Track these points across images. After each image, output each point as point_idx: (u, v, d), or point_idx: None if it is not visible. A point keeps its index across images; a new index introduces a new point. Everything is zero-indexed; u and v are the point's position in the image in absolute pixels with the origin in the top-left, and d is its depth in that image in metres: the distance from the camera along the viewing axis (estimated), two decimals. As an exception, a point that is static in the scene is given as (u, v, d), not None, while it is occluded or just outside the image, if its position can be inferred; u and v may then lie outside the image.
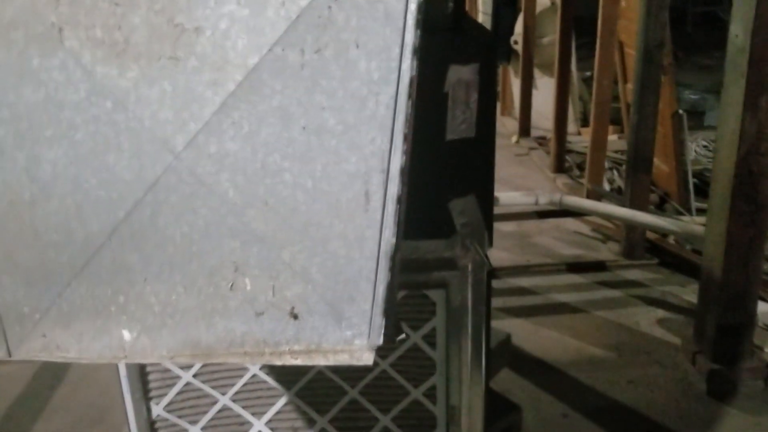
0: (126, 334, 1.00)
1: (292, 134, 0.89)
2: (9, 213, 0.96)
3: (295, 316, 0.97)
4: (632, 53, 4.63)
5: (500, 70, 6.97)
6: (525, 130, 6.57)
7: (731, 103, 2.93)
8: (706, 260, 3.21)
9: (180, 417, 1.89)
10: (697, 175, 5.20)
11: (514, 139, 6.54)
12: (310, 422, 1.93)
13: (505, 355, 2.45)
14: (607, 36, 4.78)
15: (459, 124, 1.68)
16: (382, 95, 0.88)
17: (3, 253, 0.99)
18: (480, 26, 1.66)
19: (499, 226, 4.72)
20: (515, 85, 6.84)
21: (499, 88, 7.13)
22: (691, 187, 4.84)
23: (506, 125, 6.88)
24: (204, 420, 1.91)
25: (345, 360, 0.97)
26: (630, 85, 4.85)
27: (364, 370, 1.88)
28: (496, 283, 4.10)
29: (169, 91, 0.89)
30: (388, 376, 1.89)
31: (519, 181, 5.52)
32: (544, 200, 4.03)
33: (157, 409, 1.90)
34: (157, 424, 1.91)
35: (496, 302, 3.92)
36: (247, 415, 1.91)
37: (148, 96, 0.90)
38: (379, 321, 0.97)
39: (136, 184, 0.92)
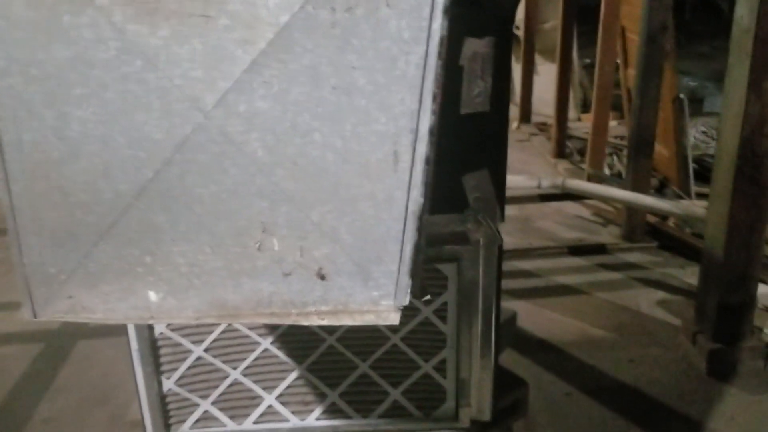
0: (152, 295, 1.00)
1: (322, 94, 0.90)
2: (36, 172, 0.96)
3: (323, 277, 0.97)
4: (634, 38, 4.63)
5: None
6: (526, 115, 6.58)
7: (735, 85, 2.94)
8: (707, 241, 3.23)
9: (191, 391, 1.90)
10: (696, 160, 5.22)
11: (515, 124, 6.55)
12: (321, 396, 1.94)
13: (512, 331, 2.46)
14: (610, 20, 4.78)
15: (474, 97, 1.68)
16: (412, 55, 0.88)
17: (30, 213, 0.99)
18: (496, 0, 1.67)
19: (500, 210, 4.77)
20: (516, 70, 6.84)
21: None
22: (690, 171, 4.85)
23: (506, 111, 6.89)
24: (215, 394, 1.92)
25: (371, 320, 0.98)
26: (631, 71, 4.85)
27: (375, 344, 1.89)
28: (497, 266, 4.11)
29: (199, 49, 0.89)
30: (398, 350, 1.90)
31: (520, 166, 5.54)
32: (546, 184, 4.04)
33: (168, 384, 1.91)
34: (168, 398, 1.92)
35: (498, 284, 3.93)
36: (258, 389, 1.92)
37: (178, 54, 0.89)
38: (406, 281, 0.97)
39: (165, 143, 0.93)
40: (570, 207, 4.74)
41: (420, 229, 0.98)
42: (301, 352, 1.90)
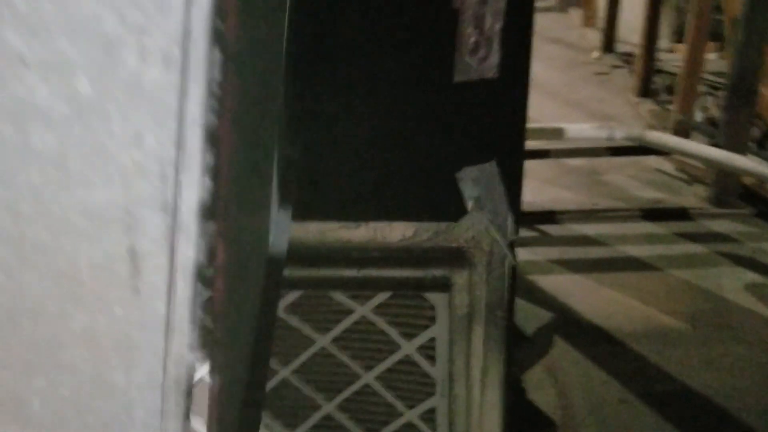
0: None
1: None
2: None
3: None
4: (745, -46, 3.79)
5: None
6: (609, 44, 5.77)
7: None
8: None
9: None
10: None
11: (595, 54, 5.76)
12: (275, 438, 1.51)
13: (546, 344, 1.95)
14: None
15: (472, 59, 1.12)
16: (150, 36, 0.37)
17: None
18: None
19: (564, 161, 4.13)
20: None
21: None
22: (802, 120, 4.05)
23: (588, 38, 6.08)
24: None
25: None
26: (738, -6, 4.03)
27: (342, 381, 1.43)
28: (554, 230, 3.54)
29: None
30: (373, 392, 1.43)
31: (595, 105, 4.83)
32: (620, 135, 3.39)
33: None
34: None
35: (552, 253, 3.38)
36: (196, 424, 1.50)
37: None
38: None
39: None
40: (649, 158, 4.05)
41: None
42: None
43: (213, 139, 0.38)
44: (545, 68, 5.65)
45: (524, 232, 3.57)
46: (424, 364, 1.37)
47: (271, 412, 1.48)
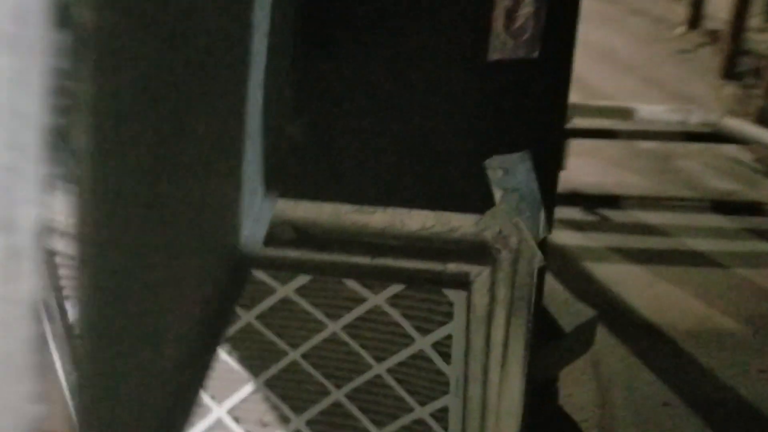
0: None
1: None
2: None
3: None
4: None
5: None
6: (696, 20, 5.40)
7: None
8: None
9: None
10: None
11: (680, 30, 5.40)
12: (284, 420, 1.46)
13: (585, 343, 1.83)
14: None
15: (509, 36, 1.00)
16: None
17: None
18: None
19: (633, 144, 3.90)
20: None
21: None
22: None
23: (673, 12, 5.71)
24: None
25: None
26: None
27: (352, 369, 1.35)
28: (616, 216, 3.36)
29: None
30: (385, 383, 1.35)
31: (675, 85, 4.54)
32: (695, 120, 3.16)
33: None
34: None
35: (610, 240, 3.21)
36: (204, 397, 1.46)
37: None
38: None
39: None
40: (727, 146, 3.78)
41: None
42: (257, 362, 1.41)
43: (62, 141, 0.30)
44: (625, 41, 5.36)
45: (583, 216, 3.41)
46: (439, 361, 1.28)
47: (278, 394, 1.42)
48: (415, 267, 1.18)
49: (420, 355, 1.29)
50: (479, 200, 1.14)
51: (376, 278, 1.21)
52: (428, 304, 1.23)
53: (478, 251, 1.16)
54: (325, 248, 1.21)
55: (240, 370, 1.42)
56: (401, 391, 1.35)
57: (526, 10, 0.97)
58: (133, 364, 0.41)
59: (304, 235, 1.21)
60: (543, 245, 1.17)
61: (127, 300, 0.39)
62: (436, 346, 1.27)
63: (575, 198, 3.39)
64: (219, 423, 1.49)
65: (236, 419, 1.48)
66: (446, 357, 1.28)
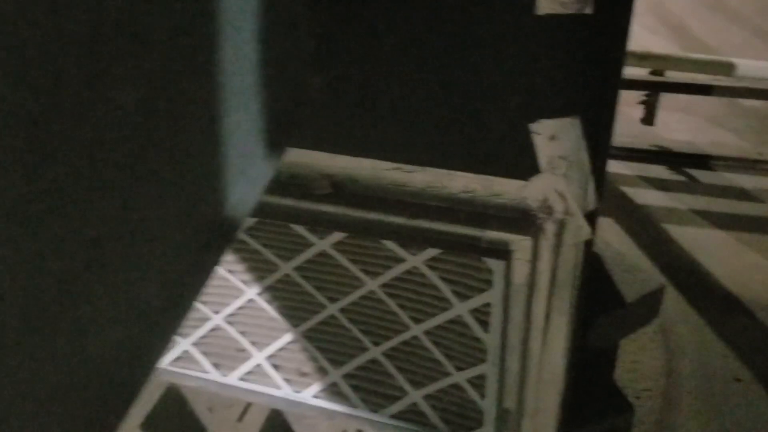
0: None
1: None
2: None
3: None
4: None
5: None
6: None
7: None
8: None
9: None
10: None
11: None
12: (321, 372, 1.45)
13: (648, 314, 1.72)
14: None
15: (562, -13, 0.90)
16: None
17: None
18: None
19: (735, 101, 3.60)
20: None
21: None
22: None
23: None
24: (195, 335, 1.51)
25: None
26: None
27: (390, 328, 1.32)
28: (706, 177, 3.15)
29: None
30: (423, 345, 1.32)
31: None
32: (806, 76, 2.87)
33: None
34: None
35: (697, 202, 3.01)
36: (244, 342, 1.48)
37: None
38: None
39: None
40: (842, 106, 3.45)
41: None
42: (296, 313, 1.40)
43: None
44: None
45: (670, 175, 3.21)
46: (477, 328, 1.23)
47: (316, 346, 1.41)
48: (454, 231, 1.12)
49: (458, 320, 1.24)
50: (524, 166, 1.05)
51: (412, 240, 1.15)
52: (467, 270, 1.17)
53: (521, 219, 1.09)
54: (362, 205, 1.16)
55: (279, 319, 1.41)
56: (438, 355, 1.31)
57: (582, -43, 0.87)
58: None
59: (340, 190, 1.17)
60: (592, 218, 1.08)
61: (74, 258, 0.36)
62: (474, 312, 1.22)
63: (663, 155, 3.20)
64: (259, 368, 1.50)
65: (275, 367, 1.49)
66: (485, 325, 1.22)
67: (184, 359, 1.55)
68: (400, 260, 1.21)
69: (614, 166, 3.18)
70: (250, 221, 1.27)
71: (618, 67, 0.95)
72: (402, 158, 1.12)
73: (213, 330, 1.49)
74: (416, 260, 1.20)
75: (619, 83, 0.98)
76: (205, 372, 1.55)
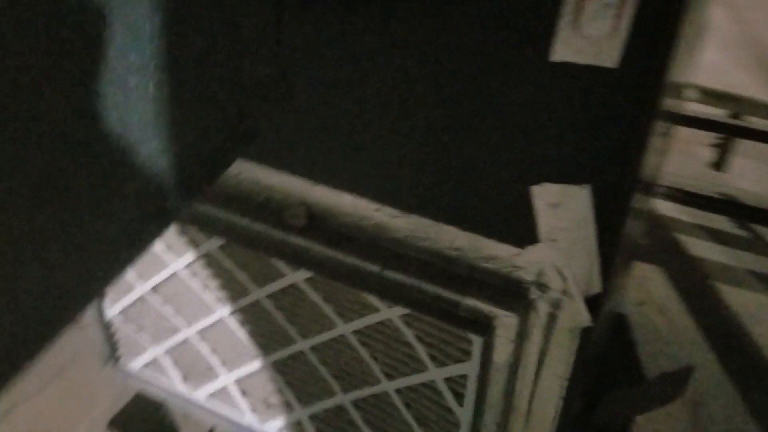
0: None
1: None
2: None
3: None
4: None
5: None
6: None
7: None
8: None
9: (137, 331, 1.40)
10: None
11: None
12: (287, 407, 1.33)
13: (670, 393, 1.53)
14: None
15: (581, 32, 0.73)
16: None
17: None
18: None
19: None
20: None
21: None
22: None
23: None
24: (165, 344, 1.41)
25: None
26: None
27: (361, 378, 1.19)
28: (771, 236, 2.87)
29: None
30: (392, 403, 1.18)
31: None
32: None
33: (111, 313, 1.43)
34: (114, 329, 1.45)
35: (757, 263, 2.75)
36: (212, 360, 1.37)
37: None
38: None
39: None
40: None
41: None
42: (266, 342, 1.28)
43: None
44: None
45: (732, 228, 2.96)
46: (450, 399, 1.08)
47: (285, 379, 1.29)
48: (431, 291, 0.97)
49: (432, 386, 1.10)
50: (521, 231, 0.90)
51: (383, 292, 1.01)
52: (445, 334, 1.03)
53: (509, 292, 0.93)
54: (337, 245, 1.02)
55: (250, 345, 1.30)
56: (408, 417, 1.17)
57: (608, 4, 0.70)
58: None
59: (316, 223, 1.04)
60: (595, 302, 0.91)
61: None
62: (449, 381, 1.07)
63: (728, 205, 2.94)
64: (225, 390, 1.39)
65: (243, 392, 1.38)
66: (459, 397, 1.07)
67: (154, 366, 1.46)
68: (374, 309, 1.07)
69: (672, 210, 2.95)
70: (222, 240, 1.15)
71: (645, 129, 0.78)
72: (386, 199, 0.98)
73: (184, 343, 1.38)
74: (391, 313, 1.06)
75: (645, 150, 0.81)
76: (174, 384, 1.45)
